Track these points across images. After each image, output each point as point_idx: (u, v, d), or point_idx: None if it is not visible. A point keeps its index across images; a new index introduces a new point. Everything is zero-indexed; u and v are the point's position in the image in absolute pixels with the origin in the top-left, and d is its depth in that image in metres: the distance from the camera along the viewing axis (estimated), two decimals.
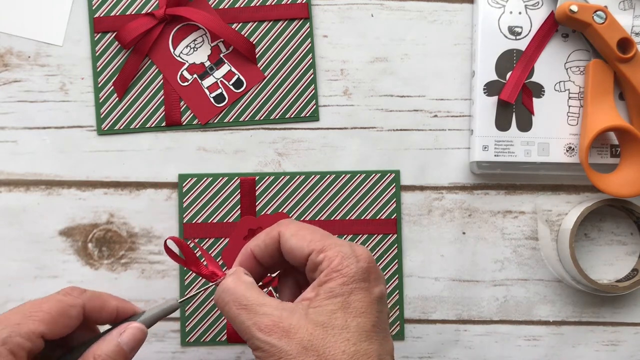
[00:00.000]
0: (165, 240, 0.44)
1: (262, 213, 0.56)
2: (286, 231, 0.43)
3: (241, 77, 0.57)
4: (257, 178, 0.56)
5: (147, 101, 0.56)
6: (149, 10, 0.56)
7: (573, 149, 0.56)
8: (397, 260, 0.56)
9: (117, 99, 0.56)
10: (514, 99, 0.55)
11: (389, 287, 0.56)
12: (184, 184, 0.56)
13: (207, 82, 0.57)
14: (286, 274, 0.46)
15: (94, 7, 0.57)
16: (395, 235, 0.56)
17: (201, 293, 0.53)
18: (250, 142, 0.57)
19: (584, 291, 0.56)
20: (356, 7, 0.58)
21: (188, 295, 0.47)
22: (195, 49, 0.57)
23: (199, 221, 0.56)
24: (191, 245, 0.46)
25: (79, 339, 0.43)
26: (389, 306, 0.52)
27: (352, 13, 0.58)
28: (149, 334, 0.56)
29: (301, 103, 0.57)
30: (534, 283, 0.57)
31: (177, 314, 0.56)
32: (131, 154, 0.57)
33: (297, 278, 0.46)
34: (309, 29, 0.57)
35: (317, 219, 0.56)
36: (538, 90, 0.56)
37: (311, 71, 0.57)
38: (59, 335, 0.40)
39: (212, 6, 0.57)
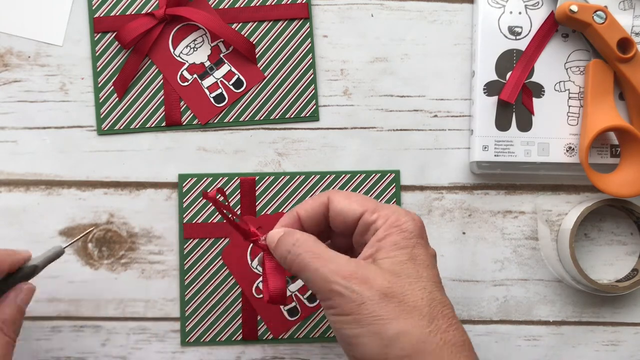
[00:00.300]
0: (207, 192, 0.45)
1: (262, 213, 0.56)
2: (336, 196, 0.44)
3: (241, 77, 0.57)
4: (257, 178, 0.56)
5: (147, 101, 0.56)
6: (149, 10, 0.56)
7: (573, 149, 0.56)
8: None
9: (117, 99, 0.56)
10: (514, 99, 0.55)
11: None
12: (184, 184, 0.56)
13: (207, 82, 0.57)
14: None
15: (94, 7, 0.57)
16: None
17: (83, 237, 0.55)
18: (250, 142, 0.57)
19: (584, 291, 0.56)
20: (356, 7, 0.58)
21: (72, 241, 0.52)
22: (195, 49, 0.57)
23: (199, 221, 0.56)
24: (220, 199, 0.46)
25: None
26: None
27: (352, 13, 0.58)
28: (148, 334, 0.56)
29: (301, 103, 0.57)
30: (534, 283, 0.57)
31: (177, 314, 0.56)
32: (131, 154, 0.57)
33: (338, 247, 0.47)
34: (309, 29, 0.57)
35: None
36: (538, 90, 0.56)
37: (311, 71, 0.57)
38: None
39: (212, 6, 0.57)
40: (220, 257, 0.56)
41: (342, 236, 0.46)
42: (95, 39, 0.56)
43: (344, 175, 0.57)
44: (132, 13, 0.56)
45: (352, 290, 0.40)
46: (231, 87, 0.57)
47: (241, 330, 0.56)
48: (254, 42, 0.57)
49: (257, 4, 0.57)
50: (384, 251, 0.41)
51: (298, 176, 0.56)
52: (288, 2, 0.57)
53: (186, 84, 0.57)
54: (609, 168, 0.56)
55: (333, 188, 0.56)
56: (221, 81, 0.57)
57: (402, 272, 0.41)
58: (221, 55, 0.57)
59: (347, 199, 0.44)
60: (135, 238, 0.56)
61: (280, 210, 0.56)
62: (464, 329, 0.41)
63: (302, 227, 0.46)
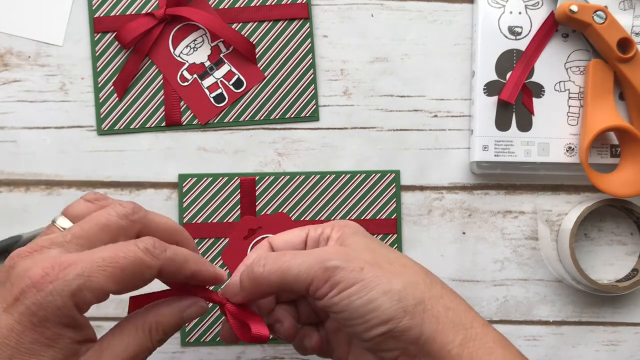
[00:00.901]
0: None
1: (262, 213, 0.56)
2: (273, 238, 0.45)
3: (241, 77, 0.57)
4: (257, 178, 0.56)
5: (147, 101, 0.56)
6: (149, 10, 0.56)
7: (573, 149, 0.56)
8: None
9: (117, 99, 0.56)
10: (514, 99, 0.55)
11: None
12: (184, 184, 0.56)
13: (207, 82, 0.57)
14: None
15: (94, 7, 0.57)
16: (395, 236, 0.56)
17: None
18: (250, 142, 0.57)
19: (584, 291, 0.56)
20: (356, 7, 0.58)
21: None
22: (195, 49, 0.57)
23: (199, 221, 0.56)
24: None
25: None
26: None
27: (352, 13, 0.58)
28: None
29: (301, 103, 0.57)
30: (534, 283, 0.57)
31: None
32: (131, 154, 0.57)
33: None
34: (309, 29, 0.57)
35: (317, 219, 0.56)
36: (538, 90, 0.56)
37: (311, 71, 0.57)
38: (127, 291, 0.37)
39: (212, 6, 0.57)
40: (220, 257, 0.56)
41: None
42: (95, 39, 0.56)
43: (344, 175, 0.57)
44: (132, 13, 0.56)
45: (348, 260, 0.40)
46: (231, 87, 0.57)
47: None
48: (254, 42, 0.57)
49: (257, 4, 0.57)
50: (347, 240, 0.42)
51: (298, 176, 0.56)
52: (288, 2, 0.57)
53: (186, 84, 0.57)
54: (609, 168, 0.56)
55: (333, 188, 0.56)
56: (221, 81, 0.57)
57: (376, 250, 0.42)
58: (221, 55, 0.57)
59: (285, 233, 0.45)
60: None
61: (280, 210, 0.56)
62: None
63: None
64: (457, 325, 0.40)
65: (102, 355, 0.36)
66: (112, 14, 0.56)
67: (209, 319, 0.56)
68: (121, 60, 0.56)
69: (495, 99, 0.56)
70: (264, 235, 0.56)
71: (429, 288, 0.41)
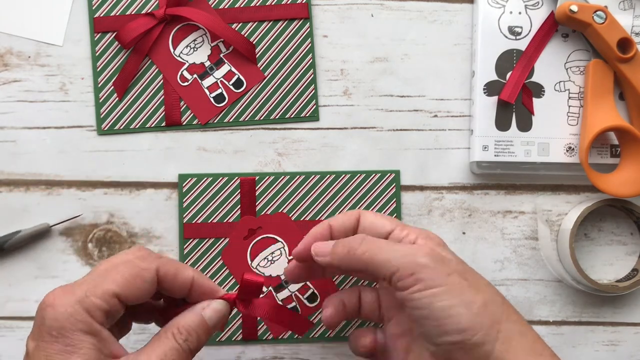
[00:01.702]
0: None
1: (262, 213, 0.56)
2: (366, 213, 0.47)
3: (241, 77, 0.57)
4: (257, 178, 0.56)
5: (147, 101, 0.56)
6: (149, 10, 0.56)
7: (573, 149, 0.56)
8: None
9: (117, 99, 0.56)
10: (514, 99, 0.55)
11: None
12: (184, 184, 0.56)
13: (207, 82, 0.57)
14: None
15: (94, 7, 0.57)
16: None
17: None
18: (250, 142, 0.57)
19: (584, 291, 0.56)
20: (356, 7, 0.58)
21: (61, 221, 0.54)
22: (195, 49, 0.57)
23: (199, 221, 0.56)
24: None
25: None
26: None
27: (352, 13, 0.58)
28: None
29: (301, 103, 0.57)
30: (534, 283, 0.57)
31: None
32: (131, 154, 0.57)
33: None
34: (309, 29, 0.57)
35: (317, 219, 0.56)
36: (538, 90, 0.56)
37: (311, 71, 0.57)
38: (134, 298, 0.40)
39: (212, 6, 0.57)
40: (220, 257, 0.56)
41: None
42: (95, 39, 0.56)
43: (344, 175, 0.57)
44: (132, 13, 0.56)
45: (439, 262, 0.42)
46: (231, 87, 0.57)
47: (241, 330, 0.56)
48: (254, 42, 0.57)
49: (257, 4, 0.57)
50: (437, 248, 0.44)
51: (298, 176, 0.56)
52: (288, 2, 0.57)
53: (186, 84, 0.57)
54: (609, 168, 0.56)
55: (333, 188, 0.56)
56: (221, 81, 0.57)
57: (463, 264, 0.44)
58: (221, 55, 0.57)
59: (377, 216, 0.47)
60: (135, 238, 0.56)
61: (280, 210, 0.56)
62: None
63: (332, 237, 0.47)
64: (529, 352, 0.41)
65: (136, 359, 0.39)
66: (112, 14, 0.56)
67: None
68: (121, 60, 0.56)
69: (495, 99, 0.56)
70: (264, 235, 0.56)
71: (507, 311, 0.42)
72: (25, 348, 0.39)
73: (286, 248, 0.56)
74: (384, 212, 0.56)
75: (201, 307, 0.42)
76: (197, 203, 0.56)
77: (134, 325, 0.47)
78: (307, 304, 0.56)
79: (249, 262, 0.56)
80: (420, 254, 0.42)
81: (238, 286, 0.46)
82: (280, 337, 0.56)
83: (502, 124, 0.56)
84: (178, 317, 0.42)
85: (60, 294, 0.39)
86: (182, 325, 0.41)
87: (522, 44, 0.56)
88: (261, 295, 0.55)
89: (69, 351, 0.37)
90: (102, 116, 0.56)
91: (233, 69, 0.57)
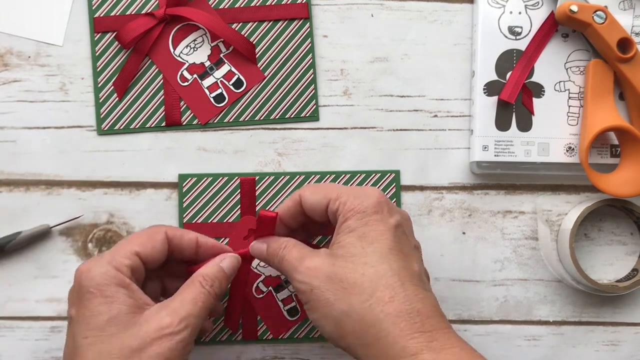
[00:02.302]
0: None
1: None
2: (305, 191, 0.48)
3: (241, 77, 0.57)
4: (257, 178, 0.56)
5: (147, 101, 0.56)
6: (149, 10, 0.56)
7: (573, 149, 0.56)
8: None
9: (117, 99, 0.56)
10: (514, 99, 0.55)
11: None
12: (184, 184, 0.56)
13: (207, 82, 0.57)
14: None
15: (94, 7, 0.57)
16: None
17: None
18: (250, 142, 0.57)
19: (584, 291, 0.56)
20: (356, 7, 0.58)
21: (61, 221, 0.55)
22: (195, 49, 0.57)
23: (199, 221, 0.56)
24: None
25: None
26: None
27: (352, 13, 0.58)
28: None
29: (301, 103, 0.57)
30: (534, 283, 0.57)
31: None
32: (131, 154, 0.57)
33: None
34: (309, 29, 0.57)
35: None
36: (538, 90, 0.56)
37: (311, 71, 0.57)
38: (151, 255, 0.46)
39: (212, 6, 0.57)
40: None
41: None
42: (95, 39, 0.56)
43: (344, 175, 0.57)
44: (132, 13, 0.56)
45: (302, 281, 0.44)
46: (231, 87, 0.57)
47: (241, 330, 0.56)
48: (254, 42, 0.57)
49: (257, 4, 0.57)
50: (338, 236, 0.45)
51: (298, 176, 0.56)
52: (288, 2, 0.57)
53: (186, 84, 0.57)
54: (609, 168, 0.56)
55: None
56: (221, 81, 0.57)
57: (347, 253, 0.44)
58: (221, 55, 0.57)
59: (313, 192, 0.47)
60: None
61: None
62: (417, 296, 0.42)
63: (286, 226, 0.50)
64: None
65: (169, 305, 0.45)
66: (112, 14, 0.56)
67: (208, 319, 0.56)
68: (121, 60, 0.56)
69: (495, 99, 0.56)
70: None
71: (364, 314, 0.42)
72: (68, 319, 0.45)
73: None
74: None
75: (219, 259, 0.48)
76: (197, 203, 0.56)
77: None
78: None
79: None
80: (295, 272, 0.45)
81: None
82: (280, 337, 0.56)
83: (502, 124, 0.56)
84: (201, 269, 0.47)
85: (91, 261, 0.45)
86: (206, 274, 0.46)
87: (522, 44, 0.56)
88: (261, 289, 0.55)
89: (109, 301, 0.43)
90: (102, 116, 0.56)
91: (233, 69, 0.57)
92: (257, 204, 0.56)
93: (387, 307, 0.42)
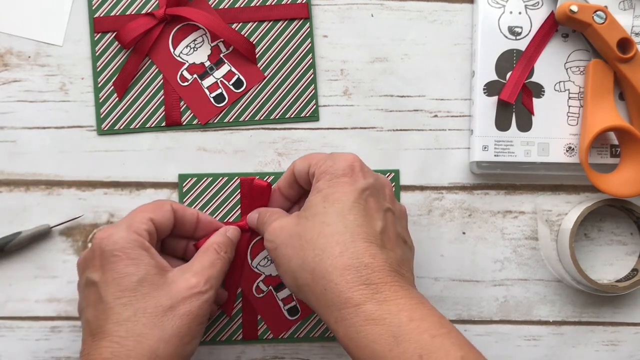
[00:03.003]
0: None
1: None
2: (297, 161, 0.51)
3: (241, 77, 0.57)
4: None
5: (147, 101, 0.56)
6: (149, 10, 0.56)
7: (573, 149, 0.56)
8: None
9: (117, 99, 0.56)
10: (514, 99, 0.55)
11: None
12: (184, 184, 0.56)
13: (207, 82, 0.57)
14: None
15: (94, 7, 0.57)
16: None
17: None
18: (250, 142, 0.57)
19: (584, 291, 0.56)
20: (356, 7, 0.58)
21: (62, 221, 0.55)
22: (195, 49, 0.57)
23: None
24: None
25: None
26: None
27: (352, 13, 0.58)
28: None
29: (301, 103, 0.57)
30: (534, 283, 0.57)
31: None
32: (131, 154, 0.57)
33: None
34: (309, 29, 0.57)
35: None
36: (538, 90, 0.56)
37: (311, 71, 0.57)
38: (163, 223, 0.49)
39: (212, 6, 0.57)
40: None
41: None
42: (95, 39, 0.56)
43: None
44: (132, 13, 0.56)
45: (269, 239, 0.48)
46: (231, 87, 0.57)
47: (241, 330, 0.56)
48: (254, 42, 0.57)
49: (257, 4, 0.57)
50: (309, 198, 0.47)
51: None
52: (288, 2, 0.57)
53: (186, 84, 0.57)
54: (609, 168, 0.56)
55: None
56: (221, 81, 0.57)
57: (310, 213, 0.46)
58: (221, 55, 0.57)
59: (302, 160, 0.50)
60: None
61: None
62: (368, 251, 0.44)
63: (285, 197, 0.53)
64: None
65: (191, 268, 0.48)
66: (112, 14, 0.56)
67: (209, 319, 0.56)
68: (121, 60, 0.56)
69: (495, 99, 0.56)
70: None
71: (315, 267, 0.45)
72: (85, 285, 0.47)
73: None
74: None
75: (224, 230, 0.52)
76: (197, 203, 0.56)
77: None
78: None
79: (249, 261, 0.56)
80: (267, 232, 0.49)
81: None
82: (280, 336, 0.56)
83: (502, 124, 0.56)
84: (211, 239, 0.51)
85: (110, 228, 0.47)
86: (218, 242, 0.50)
87: (522, 44, 0.56)
88: (261, 288, 0.55)
89: (135, 263, 0.46)
90: (102, 116, 0.56)
91: (233, 69, 0.57)
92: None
93: (336, 260, 0.43)
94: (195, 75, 0.57)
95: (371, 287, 0.42)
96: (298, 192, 0.53)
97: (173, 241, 0.53)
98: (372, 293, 0.42)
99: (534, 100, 0.56)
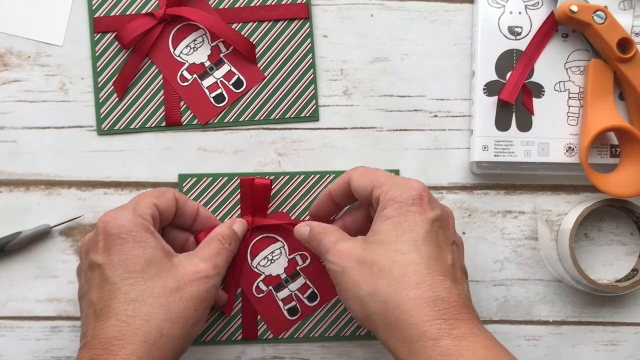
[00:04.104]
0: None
1: None
2: (355, 173, 0.50)
3: (241, 77, 0.57)
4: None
5: (147, 101, 0.56)
6: (149, 10, 0.56)
7: (573, 149, 0.56)
8: None
9: (117, 99, 0.56)
10: (514, 99, 0.55)
11: None
12: (184, 184, 0.56)
13: (207, 82, 0.57)
14: (361, 208, 0.54)
15: (94, 7, 0.57)
16: None
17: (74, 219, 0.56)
18: (250, 142, 0.57)
19: (584, 291, 0.56)
20: (356, 7, 0.58)
21: (62, 221, 0.55)
22: (195, 49, 0.57)
23: None
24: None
25: None
26: None
27: (352, 13, 0.58)
28: None
29: (301, 103, 0.57)
30: (534, 283, 0.57)
31: None
32: (131, 154, 0.57)
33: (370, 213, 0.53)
34: (309, 29, 0.57)
35: None
36: (538, 90, 0.56)
37: (311, 71, 0.57)
38: (166, 209, 0.50)
39: (212, 6, 0.57)
40: None
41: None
42: (95, 39, 0.56)
43: None
44: (132, 13, 0.56)
45: (334, 262, 0.47)
46: (231, 87, 0.57)
47: (241, 330, 0.56)
48: (254, 42, 0.57)
49: (257, 4, 0.57)
50: (375, 224, 0.47)
51: (298, 176, 0.57)
52: (288, 2, 0.57)
53: (186, 84, 0.57)
54: (609, 168, 0.56)
55: None
56: (221, 81, 0.57)
57: (382, 240, 0.45)
58: (221, 55, 0.57)
59: (362, 176, 0.49)
60: None
61: (279, 210, 0.56)
62: (443, 285, 0.43)
63: (334, 202, 0.52)
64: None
65: (198, 254, 0.49)
66: (112, 14, 0.56)
67: (209, 319, 0.56)
68: (121, 60, 0.56)
69: (495, 99, 0.56)
70: (264, 235, 0.56)
71: (389, 297, 0.44)
72: (89, 267, 0.47)
73: (286, 247, 0.56)
74: None
75: (230, 222, 0.53)
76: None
77: None
78: (307, 303, 0.56)
79: (249, 261, 0.56)
80: (328, 253, 0.47)
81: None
82: (280, 336, 0.56)
83: (502, 124, 0.56)
84: (215, 230, 0.51)
85: (115, 211, 0.48)
86: (222, 234, 0.51)
87: (522, 44, 0.56)
88: (261, 288, 0.55)
89: (142, 245, 0.46)
90: (102, 116, 0.56)
91: (233, 69, 0.57)
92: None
93: (413, 292, 0.43)
94: (195, 75, 0.57)
95: (448, 322, 0.42)
96: (350, 202, 0.52)
97: (172, 233, 0.53)
98: (450, 328, 0.42)
99: (534, 100, 0.56)
